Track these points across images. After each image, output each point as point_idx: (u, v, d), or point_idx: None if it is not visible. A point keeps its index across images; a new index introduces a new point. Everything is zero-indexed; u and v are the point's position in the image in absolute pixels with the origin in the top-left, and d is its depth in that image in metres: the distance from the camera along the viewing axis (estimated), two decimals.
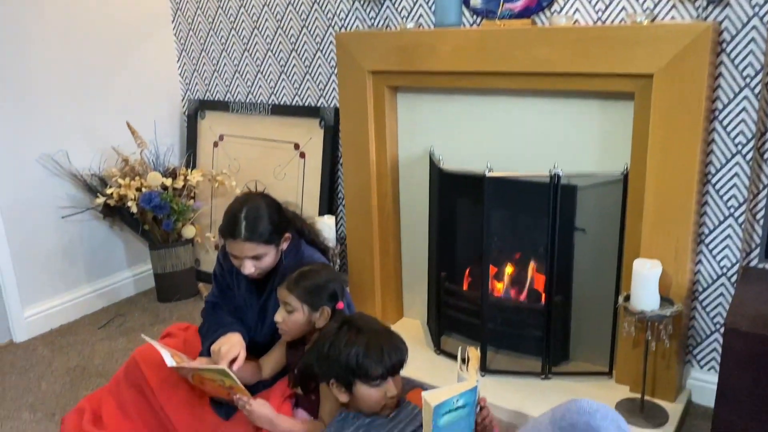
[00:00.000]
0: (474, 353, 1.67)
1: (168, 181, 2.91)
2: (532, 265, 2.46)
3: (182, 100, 3.37)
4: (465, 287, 2.58)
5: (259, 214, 1.94)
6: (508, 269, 2.52)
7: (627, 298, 2.01)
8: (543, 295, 2.37)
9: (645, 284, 1.93)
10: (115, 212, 2.98)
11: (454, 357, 2.45)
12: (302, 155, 2.98)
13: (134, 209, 2.83)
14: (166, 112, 3.29)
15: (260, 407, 1.79)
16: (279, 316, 1.89)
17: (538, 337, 2.36)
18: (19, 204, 2.75)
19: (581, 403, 1.45)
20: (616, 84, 2.01)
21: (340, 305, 1.89)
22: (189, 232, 3.07)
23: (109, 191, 2.82)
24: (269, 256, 1.97)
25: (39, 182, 2.81)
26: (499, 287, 2.53)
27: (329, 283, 1.89)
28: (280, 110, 3.01)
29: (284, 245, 2.03)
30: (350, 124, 2.56)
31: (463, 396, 1.49)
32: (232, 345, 1.93)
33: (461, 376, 1.60)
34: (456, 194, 2.48)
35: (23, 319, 2.83)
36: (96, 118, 2.98)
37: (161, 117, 3.24)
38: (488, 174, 2.19)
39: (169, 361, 1.89)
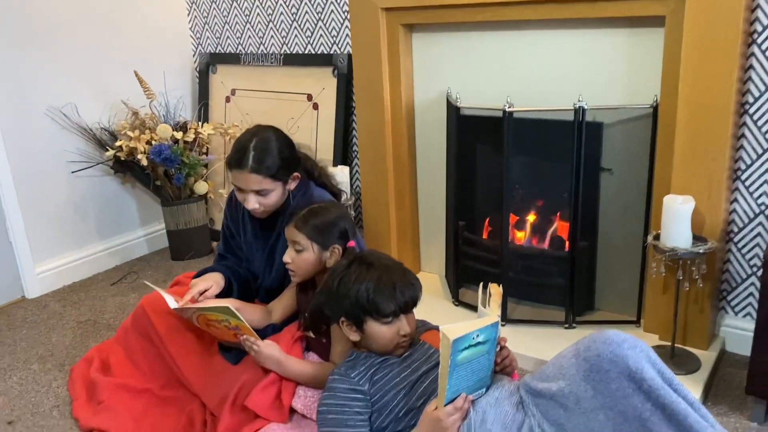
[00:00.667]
0: (496, 289, 1.56)
1: (179, 135, 2.84)
2: (555, 212, 2.34)
3: (193, 56, 3.29)
4: (485, 236, 2.48)
5: (268, 147, 1.85)
6: (530, 217, 2.41)
7: (657, 237, 1.89)
8: (567, 242, 2.25)
9: (676, 220, 1.80)
10: (125, 167, 2.92)
11: (473, 308, 2.35)
12: (315, 106, 2.88)
13: (144, 162, 2.76)
14: (177, 67, 3.21)
15: (267, 348, 1.72)
16: (288, 257, 1.81)
17: (562, 286, 2.24)
18: (28, 158, 2.70)
19: (607, 334, 1.34)
20: (645, 7, 1.88)
21: (351, 244, 1.80)
22: (201, 188, 3.00)
23: (118, 144, 2.75)
24: (275, 193, 1.88)
25: (48, 136, 2.75)
26: (521, 236, 2.42)
27: (339, 221, 1.80)
28: (292, 60, 2.91)
29: (292, 185, 1.94)
30: (363, 67, 2.46)
31: (483, 331, 1.38)
32: (205, 279, 1.93)
33: (482, 312, 1.50)
34: (475, 138, 2.36)
35: (35, 275, 2.79)
36: (104, 72, 2.91)
37: (172, 71, 3.16)
38: (508, 110, 2.07)
39: (172, 303, 1.82)
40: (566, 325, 2.21)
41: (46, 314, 2.63)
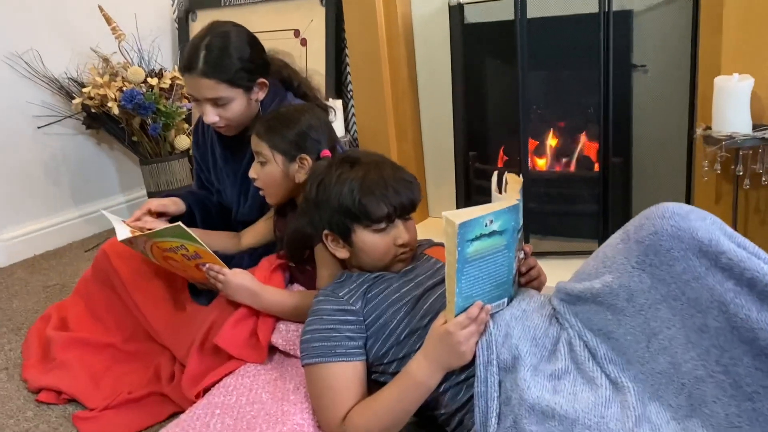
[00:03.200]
0: (514, 177, 1.24)
1: (153, 81, 2.55)
2: (580, 131, 2.02)
3: (172, 5, 3.01)
4: (500, 166, 2.15)
5: (224, 45, 1.54)
6: (552, 141, 2.09)
7: (708, 129, 1.56)
8: (596, 163, 1.93)
9: (733, 101, 1.48)
10: (97, 121, 2.63)
11: None
12: (303, 42, 2.58)
13: (115, 110, 2.47)
14: (153, 14, 2.93)
15: (237, 276, 1.41)
16: (253, 171, 1.51)
17: (593, 213, 1.92)
18: None
19: (665, 206, 1.03)
20: None
21: (326, 153, 1.48)
22: (182, 142, 2.70)
23: (86, 90, 2.47)
24: (236, 103, 1.57)
25: (8, 87, 2.47)
26: (541, 164, 2.10)
27: (311, 128, 1.48)
28: None
29: (260, 94, 1.63)
30: None
31: (498, 216, 1.07)
32: (160, 199, 1.68)
33: (496, 198, 1.18)
34: (483, 51, 2.05)
35: (1, 242, 2.50)
36: (70, 17, 2.63)
37: (147, 19, 2.87)
38: None
39: (122, 233, 1.52)
40: None
41: (10, 282, 2.34)
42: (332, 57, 2.47)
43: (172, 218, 1.68)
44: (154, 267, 1.67)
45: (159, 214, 1.67)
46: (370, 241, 1.27)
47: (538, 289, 1.30)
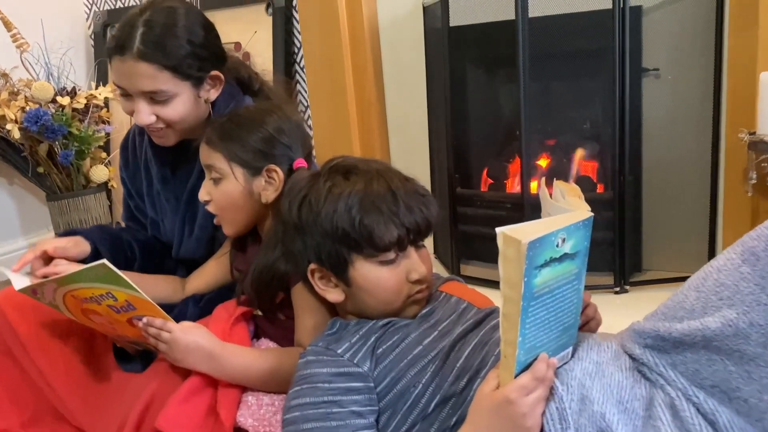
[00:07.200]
0: (569, 185, 0.95)
1: (64, 100, 2.14)
2: (573, 150, 1.78)
3: (87, 19, 2.61)
4: (483, 189, 1.87)
5: (170, 23, 1.19)
6: (542, 162, 1.83)
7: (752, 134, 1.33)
8: (601, 184, 1.68)
9: None
10: None
11: (479, 282, 1.74)
12: (246, 57, 2.24)
13: (16, 134, 2.04)
14: (65, 26, 2.52)
15: (188, 334, 1.02)
16: (204, 191, 1.15)
17: (605, 242, 1.65)
18: None
19: None
20: None
21: (300, 163, 1.14)
22: (100, 174, 2.28)
23: None
24: (180, 100, 1.20)
25: None
26: (532, 186, 1.84)
27: (281, 134, 1.13)
28: (214, 1, 2.28)
29: (212, 93, 1.27)
30: None
31: (570, 234, 0.77)
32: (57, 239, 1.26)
33: (556, 207, 0.88)
34: (466, 58, 1.78)
35: None
36: None
37: (57, 29, 2.45)
38: None
39: (19, 282, 1.11)
40: (616, 289, 1.61)
41: None
42: (281, 71, 2.15)
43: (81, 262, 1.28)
44: (66, 322, 1.27)
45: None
46: (375, 276, 0.93)
47: (595, 328, 1.01)
